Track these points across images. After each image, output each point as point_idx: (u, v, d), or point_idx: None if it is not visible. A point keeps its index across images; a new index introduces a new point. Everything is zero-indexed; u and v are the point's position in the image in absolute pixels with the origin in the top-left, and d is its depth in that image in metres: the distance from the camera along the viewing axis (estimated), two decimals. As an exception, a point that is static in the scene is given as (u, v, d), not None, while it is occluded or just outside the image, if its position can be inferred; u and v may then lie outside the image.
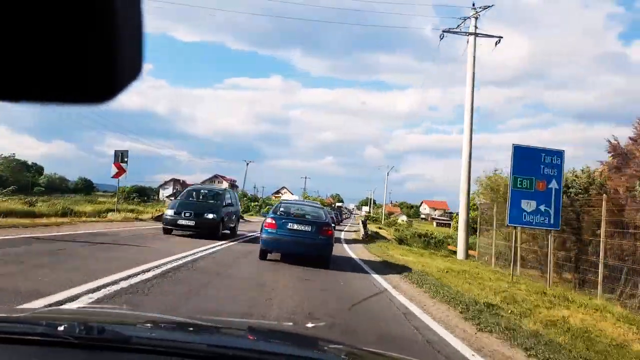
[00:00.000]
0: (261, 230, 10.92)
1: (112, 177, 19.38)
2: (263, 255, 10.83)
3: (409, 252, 19.22)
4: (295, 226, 10.58)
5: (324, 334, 4.46)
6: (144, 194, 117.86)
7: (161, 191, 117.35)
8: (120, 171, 19.38)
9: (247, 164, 68.91)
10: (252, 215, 58.55)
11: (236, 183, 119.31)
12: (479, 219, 20.59)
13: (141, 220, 19.77)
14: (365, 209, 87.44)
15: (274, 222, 10.63)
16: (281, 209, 11.56)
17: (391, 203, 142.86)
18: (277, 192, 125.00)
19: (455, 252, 25.56)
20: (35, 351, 1.28)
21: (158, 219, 21.16)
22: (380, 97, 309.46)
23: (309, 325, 4.91)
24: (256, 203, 65.60)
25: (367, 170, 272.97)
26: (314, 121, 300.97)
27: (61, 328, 1.38)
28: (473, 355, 4.93)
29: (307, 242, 10.45)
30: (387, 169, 67.41)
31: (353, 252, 16.56)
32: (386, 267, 12.11)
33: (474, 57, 21.17)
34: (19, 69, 0.48)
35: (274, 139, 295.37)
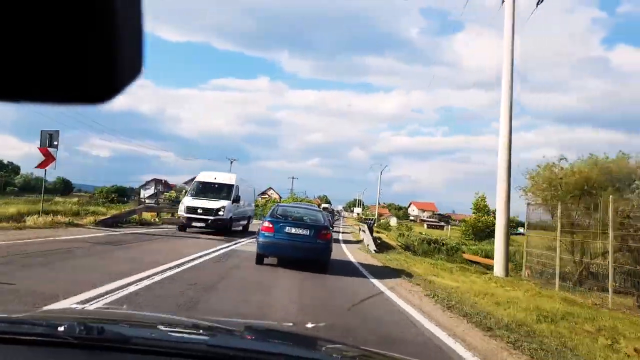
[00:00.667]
0: (258, 234, 10.48)
1: (37, 167, 14.02)
2: (259, 260, 10.26)
3: (435, 268, 14.22)
4: (293, 230, 10.08)
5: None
6: (124, 195, 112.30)
7: (142, 191, 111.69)
8: (48, 159, 14.01)
9: (231, 162, 63.46)
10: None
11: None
12: (526, 222, 15.64)
13: (77, 225, 14.40)
14: (358, 210, 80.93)
15: (271, 225, 10.10)
16: (279, 212, 11.00)
17: (378, 204, 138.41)
18: (264, 192, 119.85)
19: (483, 265, 20.69)
20: (35, 351, 1.27)
21: (106, 223, 15.85)
22: (366, 99, 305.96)
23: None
24: (240, 204, 60.15)
25: (353, 171, 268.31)
26: (300, 123, 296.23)
27: (61, 328, 1.35)
28: None
29: (305, 246, 9.92)
30: (380, 167, 62.14)
31: (376, 276, 11.48)
32: (440, 307, 7.03)
33: (514, 6, 16.28)
34: (19, 69, 0.47)
35: (261, 140, 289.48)
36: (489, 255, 26.12)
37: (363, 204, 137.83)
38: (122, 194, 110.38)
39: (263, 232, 10.10)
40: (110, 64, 0.48)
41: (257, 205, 69.87)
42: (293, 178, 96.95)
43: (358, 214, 75.19)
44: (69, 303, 4.92)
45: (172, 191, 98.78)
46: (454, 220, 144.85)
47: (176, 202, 37.21)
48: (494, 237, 31.61)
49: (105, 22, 0.45)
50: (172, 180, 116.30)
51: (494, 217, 33.93)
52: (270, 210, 11.64)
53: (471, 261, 23.97)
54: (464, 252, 26.61)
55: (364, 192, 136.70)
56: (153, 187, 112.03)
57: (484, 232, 31.96)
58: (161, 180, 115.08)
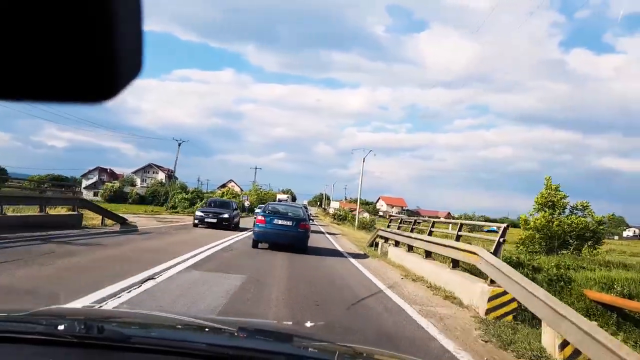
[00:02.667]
0: (254, 225, 12.72)
1: None
2: (255, 245, 12.51)
3: None
4: (280, 222, 12.28)
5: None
6: (62, 184, 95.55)
7: (84, 181, 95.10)
8: None
9: (179, 144, 49.01)
10: (177, 212, 38.12)
11: (174, 174, 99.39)
12: None
13: None
14: (335, 204, 65.29)
15: (263, 218, 12.48)
16: (269, 208, 13.65)
17: (345, 199, 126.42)
18: (224, 185, 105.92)
19: None
20: (35, 350, 1.23)
21: None
22: (333, 95, 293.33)
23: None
24: (185, 195, 45.63)
25: (318, 166, 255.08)
26: (266, 116, 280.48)
27: (61, 327, 1.30)
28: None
29: (289, 234, 12.15)
30: (364, 153, 48.76)
31: None
32: None
33: None
34: (20, 69, 0.46)
35: (225, 133, 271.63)
36: (635, 294, 12.51)
37: (330, 199, 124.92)
38: (58, 184, 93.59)
39: (257, 223, 12.41)
40: (111, 62, 0.45)
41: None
42: (256, 168, 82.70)
43: (335, 209, 59.56)
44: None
45: (116, 182, 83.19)
46: (422, 216, 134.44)
47: (120, 193, 27.36)
48: (582, 247, 18.60)
49: (105, 21, 0.43)
50: (118, 170, 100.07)
51: (575, 216, 21.31)
52: (263, 207, 14.82)
53: (610, 308, 11.24)
54: (580, 286, 13.27)
55: (327, 186, 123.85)
56: (97, 176, 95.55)
57: (559, 240, 19.05)
58: (106, 169, 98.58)
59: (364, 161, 47.95)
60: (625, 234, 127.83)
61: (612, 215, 19.84)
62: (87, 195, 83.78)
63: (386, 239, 14.48)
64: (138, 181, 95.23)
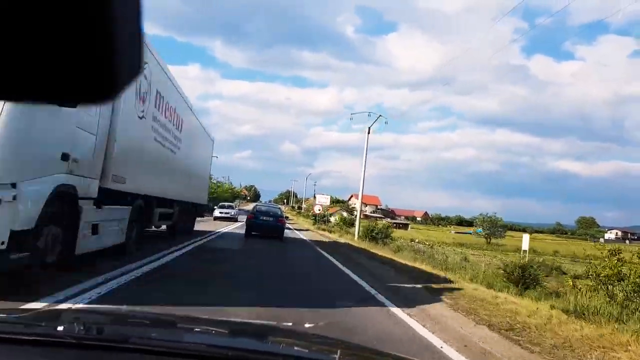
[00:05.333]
0: (246, 220, 18.98)
1: None
2: (247, 234, 17.99)
3: None
4: (264, 217, 18.24)
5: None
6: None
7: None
8: None
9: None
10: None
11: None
12: None
13: None
14: (323, 199, 47.31)
15: (253, 215, 18.45)
16: (257, 209, 19.38)
17: (315, 196, 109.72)
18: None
19: None
20: (34, 351, 1.18)
21: None
22: (300, 93, 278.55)
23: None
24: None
25: (284, 165, 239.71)
26: (232, 113, 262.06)
27: (60, 328, 1.29)
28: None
29: (270, 226, 18.00)
30: (369, 119, 31.67)
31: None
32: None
33: None
34: (20, 70, 0.45)
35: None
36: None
37: (297, 196, 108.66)
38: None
39: (249, 219, 18.48)
40: (110, 63, 0.45)
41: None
42: (213, 157, 62.91)
43: (323, 206, 41.35)
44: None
45: None
46: (398, 216, 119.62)
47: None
48: None
49: (105, 21, 0.43)
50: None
51: None
52: (253, 207, 21.60)
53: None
54: None
55: (295, 184, 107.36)
56: None
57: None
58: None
59: (368, 132, 31.23)
60: (607, 236, 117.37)
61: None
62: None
63: None
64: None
